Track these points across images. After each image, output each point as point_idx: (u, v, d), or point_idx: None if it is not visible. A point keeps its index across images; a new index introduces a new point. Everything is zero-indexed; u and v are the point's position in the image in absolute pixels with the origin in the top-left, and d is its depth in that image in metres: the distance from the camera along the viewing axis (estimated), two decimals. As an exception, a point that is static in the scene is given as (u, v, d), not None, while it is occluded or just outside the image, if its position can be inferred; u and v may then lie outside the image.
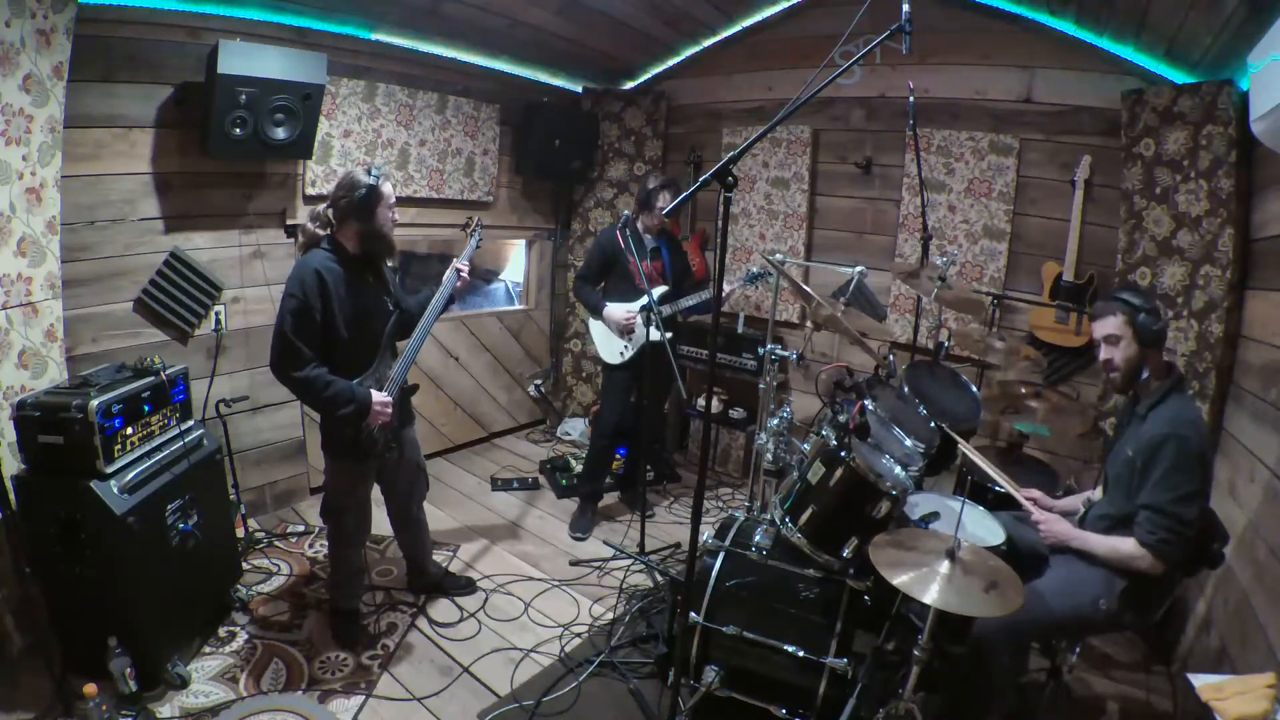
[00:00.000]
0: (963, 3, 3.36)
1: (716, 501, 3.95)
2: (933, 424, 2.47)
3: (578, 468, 4.07)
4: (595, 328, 3.45)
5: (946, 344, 3.14)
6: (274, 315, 2.17)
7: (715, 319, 1.79)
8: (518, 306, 4.97)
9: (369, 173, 2.21)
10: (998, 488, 2.26)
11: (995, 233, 3.44)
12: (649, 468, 3.86)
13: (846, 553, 2.02)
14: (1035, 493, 2.25)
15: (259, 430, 3.37)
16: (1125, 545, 1.87)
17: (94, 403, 2.00)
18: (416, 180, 3.83)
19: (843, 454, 1.99)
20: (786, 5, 3.88)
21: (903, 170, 3.67)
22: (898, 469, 2.15)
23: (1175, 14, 2.54)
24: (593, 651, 2.55)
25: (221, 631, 2.54)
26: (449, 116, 3.90)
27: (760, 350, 2.82)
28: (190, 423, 2.45)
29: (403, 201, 3.60)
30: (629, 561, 3.18)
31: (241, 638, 2.52)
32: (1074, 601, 1.92)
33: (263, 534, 3.23)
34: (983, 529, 2.13)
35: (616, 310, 3.32)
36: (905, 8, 1.50)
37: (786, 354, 2.73)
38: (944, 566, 1.64)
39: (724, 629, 2.09)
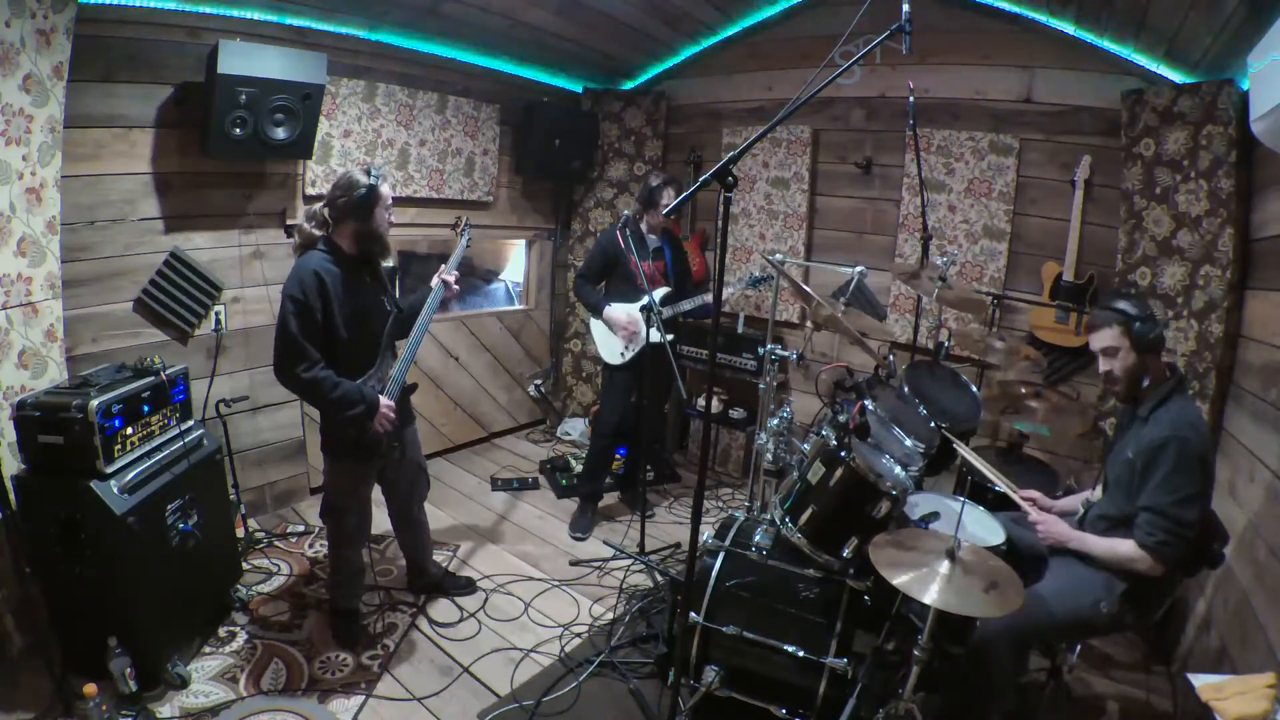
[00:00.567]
0: (963, 3, 3.36)
1: (716, 501, 3.95)
2: (932, 426, 2.47)
3: (578, 468, 4.07)
4: (596, 327, 3.44)
5: (946, 344, 3.14)
6: (274, 315, 2.17)
7: (715, 319, 1.79)
8: (518, 306, 4.97)
9: (368, 173, 2.21)
10: (997, 488, 2.27)
11: (995, 233, 3.44)
12: (649, 468, 3.86)
13: (846, 553, 2.02)
14: (1034, 493, 2.25)
15: (259, 430, 3.37)
16: (1124, 547, 1.87)
17: (94, 403, 2.00)
18: (416, 180, 3.83)
19: (843, 454, 1.99)
20: (786, 5, 3.88)
21: (903, 170, 3.67)
22: (898, 469, 2.15)
23: (1175, 14, 2.54)
24: (593, 651, 2.55)
25: (221, 631, 2.54)
26: (449, 116, 3.90)
27: (760, 350, 2.82)
28: (190, 423, 2.45)
29: (403, 201, 3.62)
30: (629, 561, 3.18)
31: (241, 638, 2.52)
32: (1074, 604, 1.92)
33: (263, 534, 3.23)
34: (983, 529, 2.14)
35: (618, 313, 3.32)
36: (905, 8, 1.50)
37: (786, 354, 2.73)
38: (944, 566, 1.64)
39: (724, 629, 2.09)
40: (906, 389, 2.65)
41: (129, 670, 2.08)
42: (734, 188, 1.52)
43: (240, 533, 3.08)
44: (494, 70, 4.12)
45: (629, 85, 4.69)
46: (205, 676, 2.31)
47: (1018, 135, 3.33)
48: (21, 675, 2.19)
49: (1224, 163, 2.63)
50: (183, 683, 2.24)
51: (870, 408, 2.26)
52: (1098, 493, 2.18)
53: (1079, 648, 2.30)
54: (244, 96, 2.72)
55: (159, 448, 2.29)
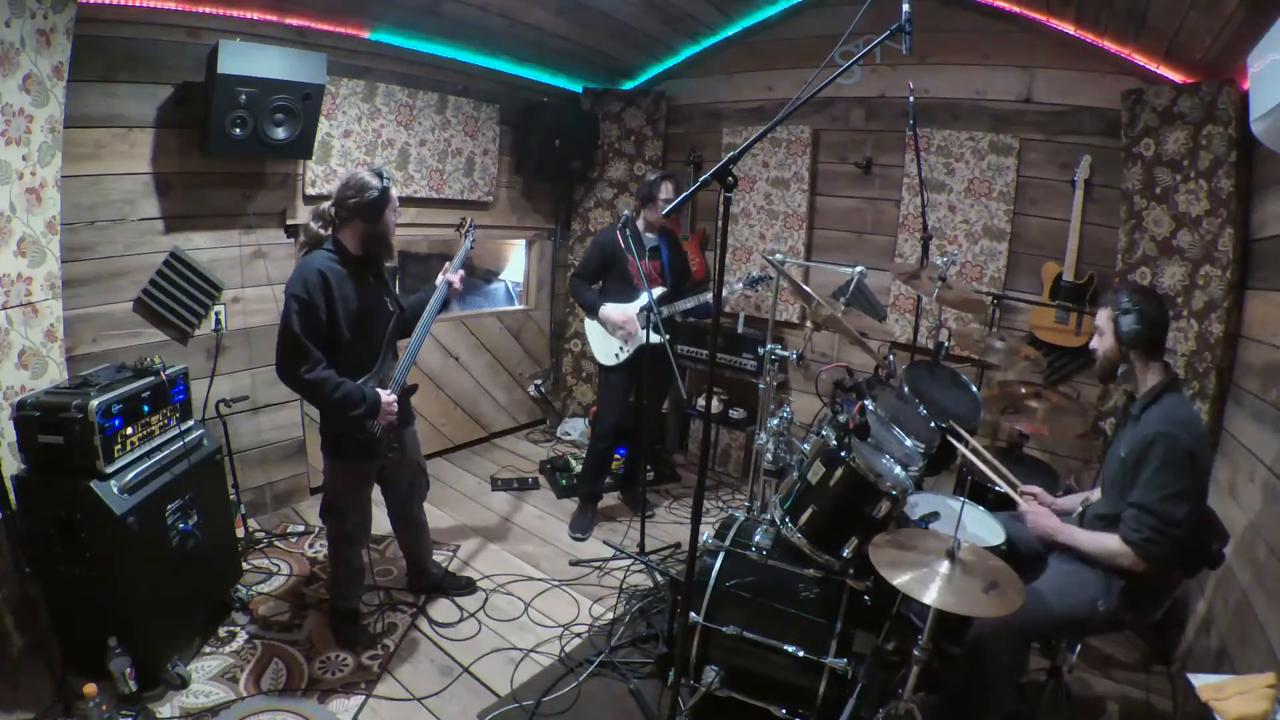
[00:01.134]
0: (963, 3, 3.36)
1: (716, 501, 3.95)
2: (933, 424, 2.47)
3: (577, 468, 4.07)
4: (590, 328, 3.44)
5: (946, 344, 3.14)
6: (274, 315, 2.18)
7: (715, 319, 1.79)
8: (518, 306, 4.97)
9: (379, 175, 2.20)
10: (997, 488, 2.26)
11: (995, 233, 3.44)
12: (649, 468, 3.86)
13: (846, 553, 2.02)
14: (1035, 489, 2.25)
15: (259, 430, 3.37)
16: (1110, 542, 1.88)
17: (94, 403, 2.00)
18: (416, 180, 3.83)
19: (843, 454, 2.00)
20: (786, 5, 3.88)
21: (903, 170, 3.67)
22: (898, 469, 2.15)
23: (1175, 14, 2.54)
24: (593, 651, 2.55)
25: (221, 631, 2.54)
26: (449, 116, 3.90)
27: (760, 350, 2.82)
28: (190, 423, 2.45)
29: (403, 201, 3.59)
30: (629, 561, 3.18)
31: (241, 638, 2.52)
32: (1073, 602, 1.92)
33: (263, 534, 3.23)
34: (983, 529, 2.14)
35: (614, 312, 3.31)
36: (905, 8, 1.50)
37: (786, 354, 2.73)
38: (944, 566, 1.64)
39: (724, 629, 2.09)
40: (906, 389, 2.65)
41: (129, 670, 2.08)
42: (734, 188, 1.52)
43: (240, 533, 3.08)
44: (494, 70, 4.12)
45: (629, 85, 4.69)
46: (205, 676, 2.31)
47: (1018, 135, 3.33)
48: (21, 675, 2.19)
49: (1224, 163, 2.63)
50: (183, 683, 2.24)
51: (870, 408, 2.26)
52: (1097, 493, 2.18)
53: (1079, 647, 2.30)
54: (244, 96, 2.72)
55: (159, 448, 2.29)
